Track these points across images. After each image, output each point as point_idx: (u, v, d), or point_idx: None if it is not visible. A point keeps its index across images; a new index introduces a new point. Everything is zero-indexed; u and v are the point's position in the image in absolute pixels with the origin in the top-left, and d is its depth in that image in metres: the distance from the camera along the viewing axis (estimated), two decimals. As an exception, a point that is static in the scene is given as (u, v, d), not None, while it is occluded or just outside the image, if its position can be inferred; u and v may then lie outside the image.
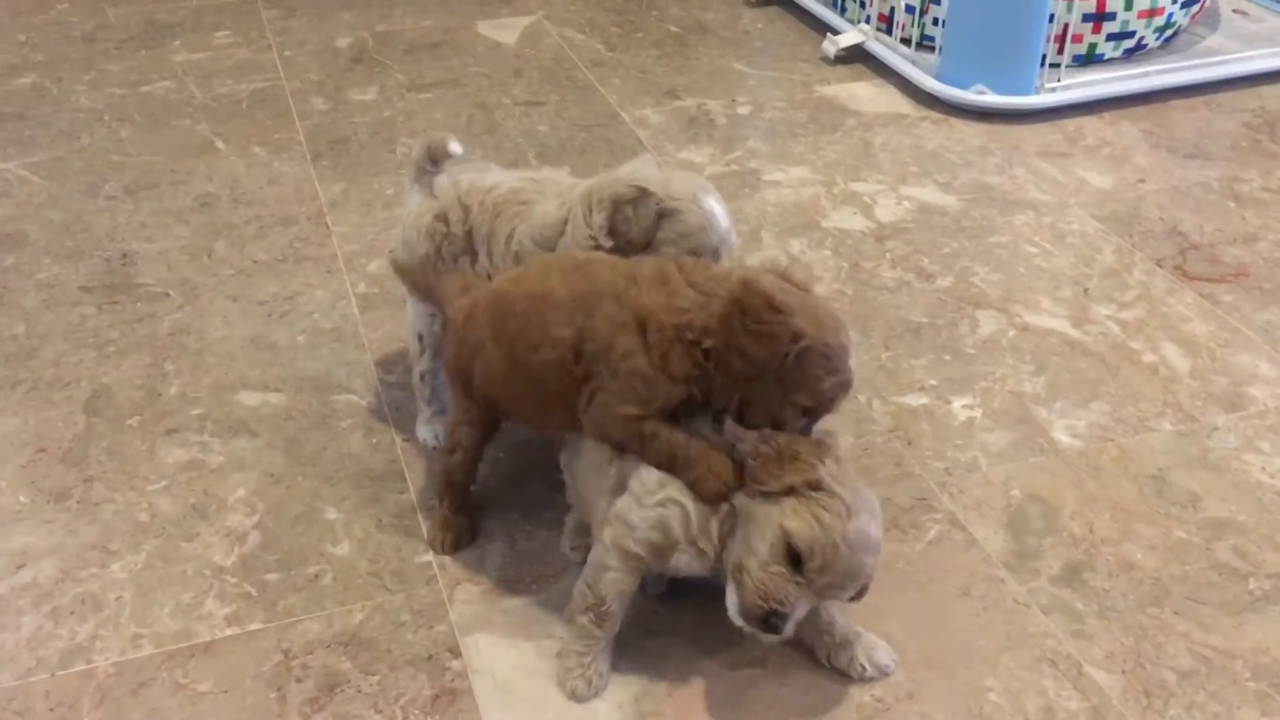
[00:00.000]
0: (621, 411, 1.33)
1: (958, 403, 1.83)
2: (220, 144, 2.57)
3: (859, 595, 1.30)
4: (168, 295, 2.09)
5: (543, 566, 1.56)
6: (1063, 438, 1.77)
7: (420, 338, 1.71)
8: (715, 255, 1.51)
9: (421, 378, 1.73)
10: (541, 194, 1.60)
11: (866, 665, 1.39)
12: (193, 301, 2.07)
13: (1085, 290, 2.10)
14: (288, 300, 2.08)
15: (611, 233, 1.51)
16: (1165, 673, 1.42)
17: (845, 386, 1.34)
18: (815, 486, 1.25)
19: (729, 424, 1.33)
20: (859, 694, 1.39)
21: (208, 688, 1.40)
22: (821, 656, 1.41)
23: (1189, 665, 1.43)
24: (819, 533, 1.23)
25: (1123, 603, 1.51)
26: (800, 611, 1.28)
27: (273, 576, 1.55)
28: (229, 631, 1.47)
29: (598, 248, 1.50)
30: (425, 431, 1.75)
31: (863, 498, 1.28)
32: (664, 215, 1.50)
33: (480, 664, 1.43)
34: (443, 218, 1.62)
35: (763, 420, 1.32)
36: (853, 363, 1.33)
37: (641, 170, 1.56)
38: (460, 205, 1.62)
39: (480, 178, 1.64)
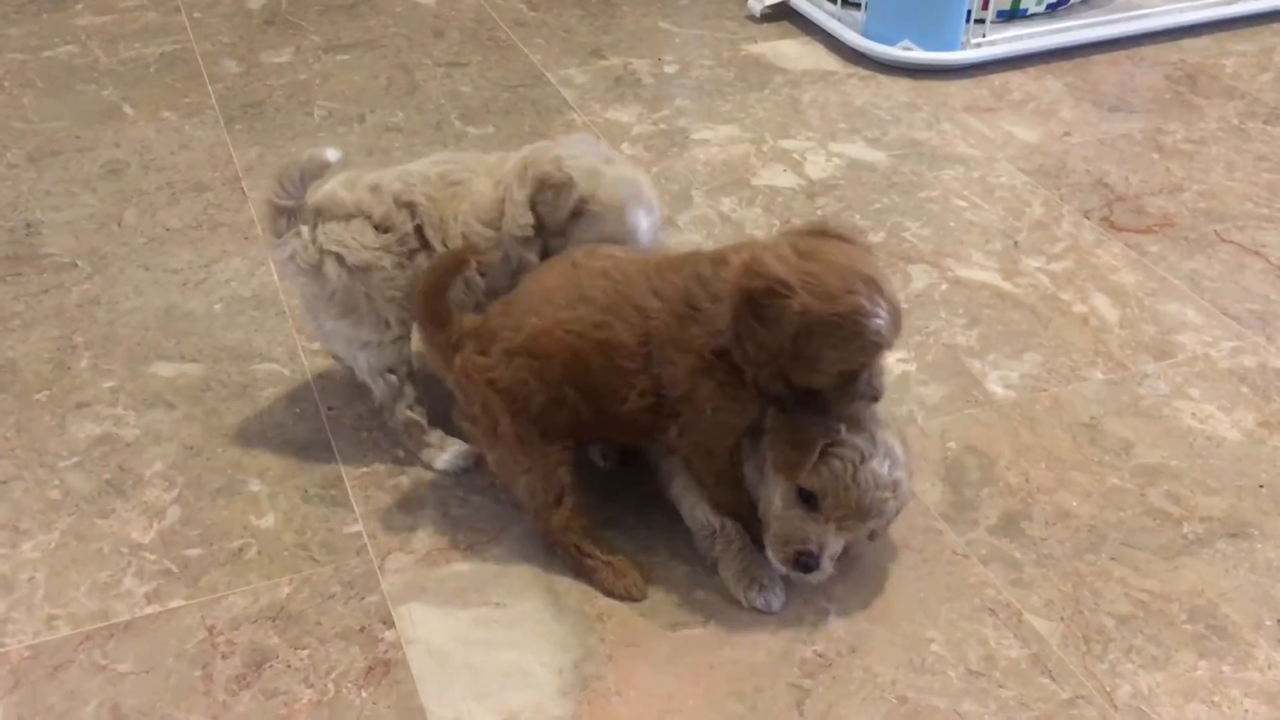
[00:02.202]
0: (713, 446, 1.39)
1: (892, 357, 1.81)
2: (128, 109, 2.47)
3: (876, 533, 1.42)
4: (75, 265, 2.00)
5: (475, 533, 1.52)
6: (997, 389, 1.77)
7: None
8: None
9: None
10: (471, 171, 1.54)
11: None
12: (102, 271, 1.98)
13: (1015, 243, 2.10)
14: (203, 268, 2.00)
15: (531, 209, 1.47)
16: (1103, 618, 1.42)
17: (869, 349, 1.30)
18: (833, 444, 1.32)
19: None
20: (801, 650, 1.37)
21: (128, 668, 1.35)
22: None
23: (1126, 610, 1.43)
24: (826, 475, 1.32)
25: (1060, 550, 1.51)
26: (833, 548, 1.36)
27: (194, 552, 1.49)
28: (149, 609, 1.41)
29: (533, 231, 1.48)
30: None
31: (880, 443, 1.35)
32: (582, 216, 1.46)
33: (414, 634, 1.39)
34: (385, 226, 1.51)
35: (811, 401, 1.34)
36: (879, 322, 1.28)
37: (584, 155, 1.48)
38: (398, 206, 1.52)
39: (385, 174, 1.54)
